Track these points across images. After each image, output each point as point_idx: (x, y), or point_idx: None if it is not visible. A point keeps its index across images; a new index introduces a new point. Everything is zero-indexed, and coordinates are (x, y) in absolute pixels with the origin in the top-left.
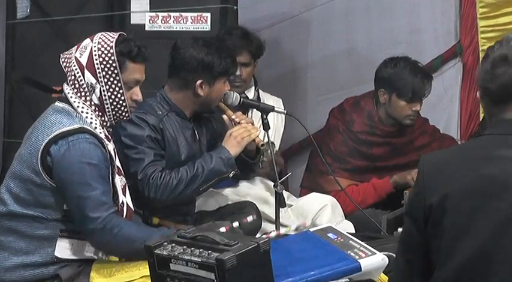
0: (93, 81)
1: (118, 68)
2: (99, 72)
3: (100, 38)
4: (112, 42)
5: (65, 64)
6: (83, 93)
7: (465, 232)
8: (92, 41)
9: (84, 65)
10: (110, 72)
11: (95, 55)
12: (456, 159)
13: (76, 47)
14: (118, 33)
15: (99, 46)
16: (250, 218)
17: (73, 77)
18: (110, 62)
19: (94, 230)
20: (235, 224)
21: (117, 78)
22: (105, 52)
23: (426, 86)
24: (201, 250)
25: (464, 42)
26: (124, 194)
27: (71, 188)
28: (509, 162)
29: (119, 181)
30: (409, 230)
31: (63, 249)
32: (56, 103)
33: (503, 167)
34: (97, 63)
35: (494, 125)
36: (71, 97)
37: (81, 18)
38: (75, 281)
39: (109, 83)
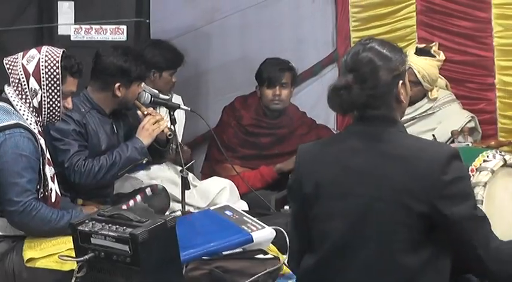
0: (37, 87)
1: (60, 80)
2: (43, 81)
3: (47, 51)
4: (58, 56)
5: (8, 66)
6: (23, 96)
7: (332, 217)
8: (39, 53)
9: (31, 73)
10: (52, 82)
11: (42, 65)
12: (327, 150)
13: (22, 54)
14: (61, 50)
15: (46, 58)
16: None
17: (17, 81)
18: (55, 73)
19: (15, 212)
20: (148, 191)
21: (58, 88)
22: (51, 64)
23: (279, 74)
24: (117, 226)
25: (340, 51)
26: (53, 182)
27: (2, 174)
28: (370, 153)
29: (49, 171)
30: (294, 210)
31: None
32: None
33: (365, 158)
34: (43, 73)
35: (357, 120)
36: (11, 96)
37: (15, 29)
38: (10, 255)
39: (50, 91)
